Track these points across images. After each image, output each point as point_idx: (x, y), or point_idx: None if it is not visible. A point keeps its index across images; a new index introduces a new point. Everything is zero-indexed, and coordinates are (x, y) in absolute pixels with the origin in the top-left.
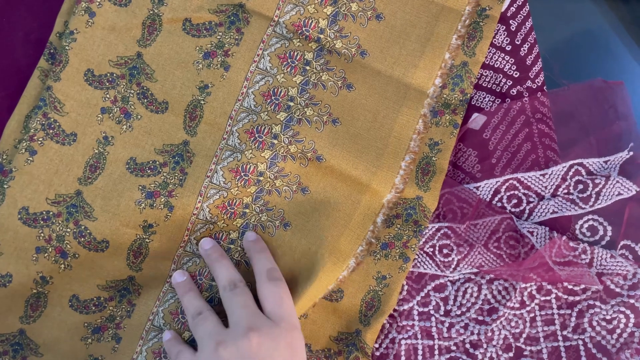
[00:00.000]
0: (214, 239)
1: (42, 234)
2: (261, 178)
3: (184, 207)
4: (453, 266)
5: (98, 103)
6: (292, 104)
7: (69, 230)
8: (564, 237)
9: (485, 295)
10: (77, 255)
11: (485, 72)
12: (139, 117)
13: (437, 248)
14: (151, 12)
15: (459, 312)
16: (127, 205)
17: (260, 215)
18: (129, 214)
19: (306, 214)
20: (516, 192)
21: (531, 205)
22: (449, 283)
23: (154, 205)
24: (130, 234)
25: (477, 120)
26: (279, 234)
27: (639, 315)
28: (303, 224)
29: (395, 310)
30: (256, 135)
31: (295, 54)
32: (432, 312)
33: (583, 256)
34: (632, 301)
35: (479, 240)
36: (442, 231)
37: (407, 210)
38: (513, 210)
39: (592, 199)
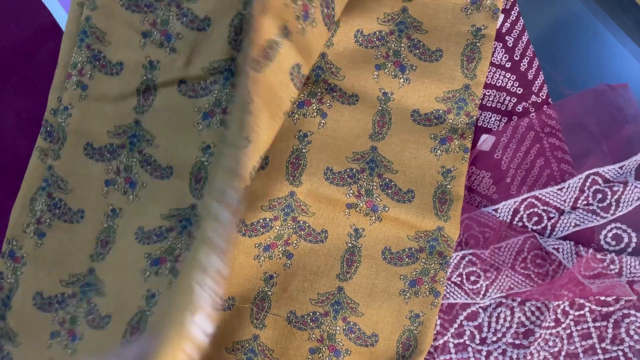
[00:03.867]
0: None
1: (57, 318)
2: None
3: None
4: (482, 292)
5: (101, 176)
6: None
7: (81, 310)
8: (591, 250)
9: (519, 318)
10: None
11: (489, 92)
12: (144, 185)
13: (464, 276)
14: (144, 77)
15: (494, 339)
16: (133, 276)
17: None
18: (134, 285)
19: None
20: (536, 209)
21: (552, 220)
22: (480, 310)
23: (160, 272)
24: (133, 307)
25: (486, 142)
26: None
27: None
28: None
29: (430, 345)
30: None
31: None
32: (467, 342)
33: (612, 266)
34: None
35: (505, 263)
36: (467, 259)
37: (430, 243)
38: (535, 228)
39: (613, 207)
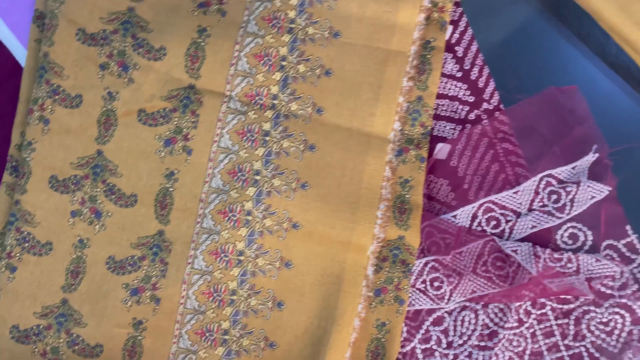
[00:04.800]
0: (204, 331)
1: (36, 349)
2: (242, 257)
3: (170, 297)
4: (447, 297)
5: (67, 207)
6: (258, 177)
7: (61, 340)
8: (548, 250)
9: (483, 320)
10: None
11: (442, 102)
12: (109, 214)
13: (428, 282)
14: (104, 108)
15: (460, 342)
16: (114, 305)
17: (249, 300)
18: (117, 314)
19: (298, 289)
20: (493, 213)
21: (510, 223)
22: (446, 315)
23: (141, 301)
24: (122, 334)
25: (442, 150)
26: (275, 315)
27: (634, 314)
28: (298, 300)
29: (398, 352)
30: (229, 214)
31: (253, 127)
32: (434, 347)
33: (569, 265)
34: (624, 300)
35: (467, 268)
36: (430, 265)
37: (393, 251)
38: (494, 231)
39: (568, 207)
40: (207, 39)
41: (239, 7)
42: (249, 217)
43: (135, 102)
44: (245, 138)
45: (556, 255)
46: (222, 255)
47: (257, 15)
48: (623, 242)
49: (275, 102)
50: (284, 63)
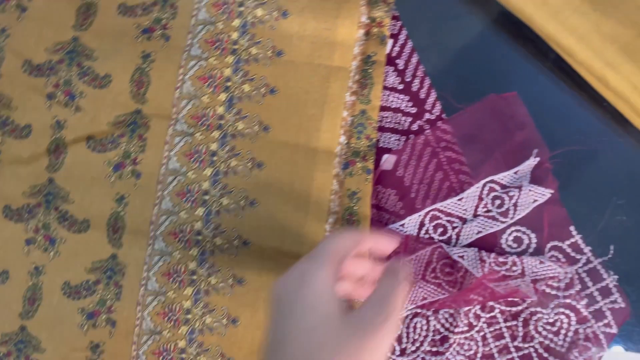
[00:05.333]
0: (162, 351)
1: None
2: (195, 277)
3: (125, 320)
4: None
5: (21, 236)
6: (207, 197)
7: None
8: (493, 254)
9: (434, 326)
10: None
11: (386, 114)
12: (63, 240)
13: None
14: (53, 137)
15: (413, 348)
16: (70, 330)
17: (204, 317)
18: (74, 339)
19: (252, 304)
20: (440, 220)
21: (457, 230)
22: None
23: (97, 324)
24: (80, 357)
25: (388, 161)
26: (230, 332)
27: (578, 313)
28: (252, 315)
29: None
30: (180, 235)
31: (201, 148)
32: (388, 354)
33: (514, 268)
34: (568, 301)
35: (417, 275)
36: None
37: None
38: (441, 238)
39: (511, 212)
40: (151, 64)
41: (183, 31)
42: (199, 237)
43: (83, 129)
44: (192, 159)
45: (501, 259)
46: (175, 275)
47: (200, 39)
48: (567, 242)
49: (222, 122)
50: (228, 84)
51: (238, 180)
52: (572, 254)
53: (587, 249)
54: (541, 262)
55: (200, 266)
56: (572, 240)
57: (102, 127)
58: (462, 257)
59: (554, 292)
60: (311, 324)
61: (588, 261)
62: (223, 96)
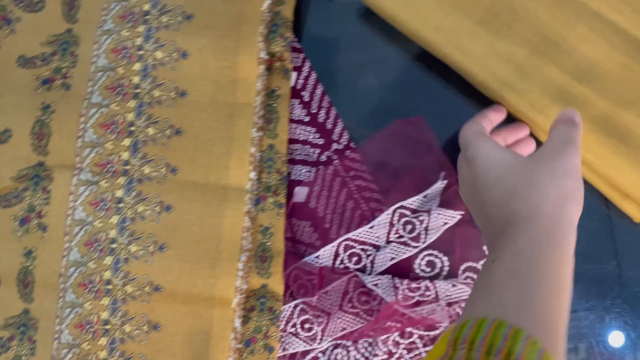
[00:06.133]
0: None
1: None
2: (108, 327)
3: None
4: (319, 338)
5: None
6: (114, 245)
7: None
8: (406, 280)
9: (354, 356)
10: None
11: (295, 146)
12: None
13: (298, 325)
14: None
15: None
16: None
17: None
18: None
19: (169, 349)
20: (354, 250)
21: (371, 257)
22: (320, 355)
23: None
24: None
25: (300, 193)
26: None
27: None
28: None
29: None
30: (90, 285)
31: (106, 196)
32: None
33: (428, 293)
34: None
35: (334, 306)
36: (299, 308)
37: (260, 300)
38: (356, 267)
39: (423, 236)
40: (51, 115)
41: (83, 79)
42: (109, 286)
43: None
44: (98, 208)
45: (414, 285)
46: (88, 326)
47: (101, 85)
48: (482, 262)
49: (128, 167)
50: (132, 128)
51: (146, 225)
52: None
53: None
54: (453, 285)
55: (112, 315)
56: None
57: (6, 183)
58: (376, 285)
59: None
60: (510, 165)
61: None
62: (127, 141)
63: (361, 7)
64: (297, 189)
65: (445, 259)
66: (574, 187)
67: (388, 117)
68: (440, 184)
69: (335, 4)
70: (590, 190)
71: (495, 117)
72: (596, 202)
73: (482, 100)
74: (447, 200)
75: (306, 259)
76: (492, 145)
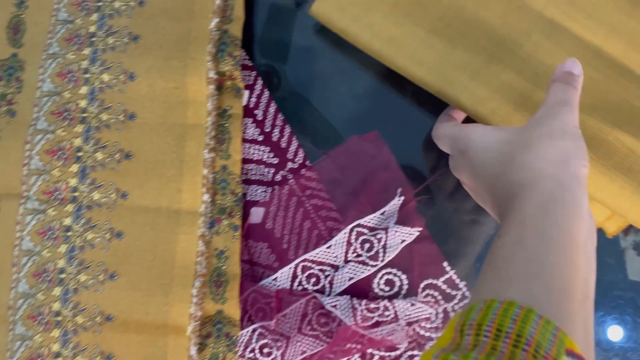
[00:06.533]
0: None
1: None
2: (60, 359)
3: None
4: None
5: None
6: (63, 275)
7: None
8: (364, 301)
9: None
10: None
11: (250, 166)
12: None
13: (257, 350)
14: None
15: None
16: None
17: None
18: None
19: None
20: (312, 270)
21: (329, 278)
22: None
23: None
24: None
25: (256, 214)
26: None
27: None
28: None
29: None
30: (39, 318)
31: (54, 224)
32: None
33: (387, 313)
34: None
35: (293, 329)
36: (257, 332)
37: (217, 326)
38: (315, 288)
39: (381, 254)
40: None
41: (28, 105)
42: (59, 318)
43: None
44: (46, 237)
45: (372, 305)
46: (39, 359)
47: (47, 111)
48: (442, 279)
49: (76, 194)
50: (79, 154)
51: (96, 253)
52: (448, 291)
53: (462, 284)
54: (412, 305)
55: (64, 347)
56: (447, 276)
57: None
58: (335, 306)
59: (427, 334)
60: (505, 138)
61: (464, 296)
62: (75, 167)
63: (315, 22)
64: (253, 210)
65: (404, 277)
66: (574, 146)
67: (344, 133)
68: (397, 201)
69: (288, 19)
70: None
71: (458, 114)
72: None
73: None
74: (405, 217)
75: (264, 281)
76: (482, 128)
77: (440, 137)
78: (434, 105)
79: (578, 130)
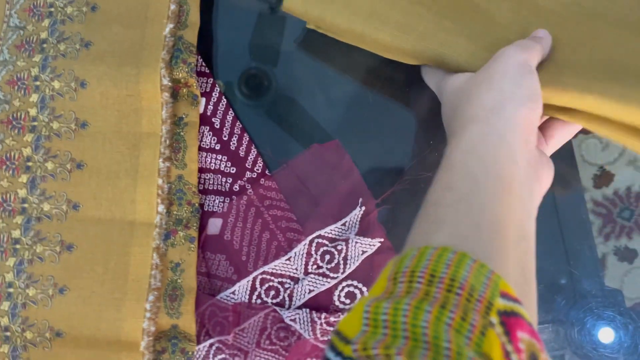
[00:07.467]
0: None
1: None
2: None
3: None
4: None
5: None
6: (12, 290)
7: None
8: (324, 314)
9: None
10: None
11: (207, 176)
12: None
13: None
14: None
15: None
16: None
17: None
18: None
19: None
20: (271, 283)
21: (289, 291)
22: None
23: None
24: None
25: (214, 225)
26: None
27: None
28: None
29: None
30: None
31: (2, 237)
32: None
33: None
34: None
35: (251, 344)
36: (214, 347)
37: (172, 341)
38: (275, 301)
39: (342, 266)
40: None
41: None
42: (8, 333)
43: None
44: None
45: (332, 319)
46: None
47: None
48: None
49: (25, 205)
50: (29, 164)
51: (45, 267)
52: None
53: None
54: None
55: None
56: None
57: None
58: (294, 320)
59: None
60: (460, 84)
61: None
62: (24, 177)
63: (274, 25)
64: (211, 221)
65: (364, 289)
66: (512, 87)
67: (304, 143)
68: (358, 211)
69: (244, 25)
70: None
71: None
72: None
73: (402, 123)
74: (366, 228)
75: (222, 294)
76: (455, 75)
77: (430, 78)
78: (397, 114)
79: (521, 68)
